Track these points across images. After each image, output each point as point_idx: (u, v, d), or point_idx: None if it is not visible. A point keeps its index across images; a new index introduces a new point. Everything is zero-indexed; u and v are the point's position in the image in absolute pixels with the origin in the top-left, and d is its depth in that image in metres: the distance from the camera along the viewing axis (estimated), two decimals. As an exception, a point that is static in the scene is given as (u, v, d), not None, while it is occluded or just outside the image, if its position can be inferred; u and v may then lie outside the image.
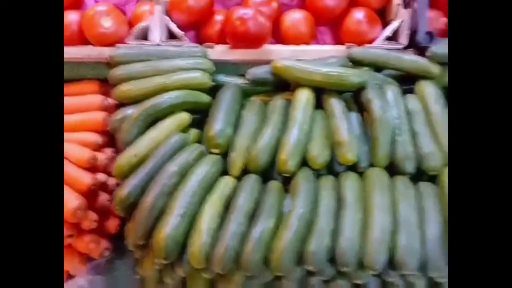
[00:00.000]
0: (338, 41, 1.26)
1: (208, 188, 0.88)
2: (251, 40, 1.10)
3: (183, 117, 0.98)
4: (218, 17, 1.20)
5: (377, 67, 1.09)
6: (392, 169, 0.92)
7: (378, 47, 1.12)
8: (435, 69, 1.02)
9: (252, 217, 0.84)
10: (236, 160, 0.92)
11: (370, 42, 1.18)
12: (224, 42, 1.17)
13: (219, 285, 0.85)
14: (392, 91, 1.00)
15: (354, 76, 0.99)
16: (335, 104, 0.98)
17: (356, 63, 1.11)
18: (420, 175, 0.93)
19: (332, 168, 0.95)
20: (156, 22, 1.15)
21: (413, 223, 0.81)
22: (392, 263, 0.77)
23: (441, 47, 1.02)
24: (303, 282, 0.84)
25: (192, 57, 1.08)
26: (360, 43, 1.17)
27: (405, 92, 1.06)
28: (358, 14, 1.19)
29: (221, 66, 1.16)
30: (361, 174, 0.92)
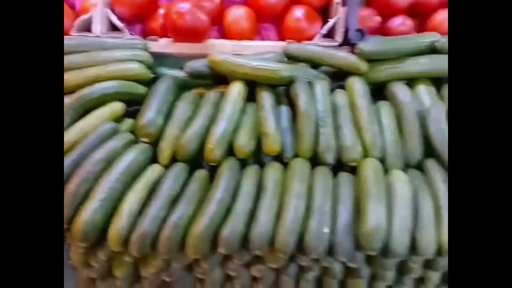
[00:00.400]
0: (281, 37, 1.30)
1: (135, 175, 0.90)
2: (189, 34, 1.13)
3: (116, 106, 1.00)
4: (162, 11, 1.23)
5: (313, 63, 1.14)
6: (316, 160, 0.97)
7: (314, 44, 1.16)
8: (363, 65, 1.07)
9: (175, 203, 0.86)
10: (165, 148, 0.95)
11: (310, 39, 1.22)
12: (169, 36, 1.20)
13: (141, 268, 0.87)
14: (320, 86, 1.04)
15: (284, 70, 1.03)
16: (265, 97, 1.02)
17: (292, 58, 1.15)
18: (342, 166, 0.97)
19: (259, 159, 0.98)
20: (97, 14, 1.17)
21: (326, 210, 0.84)
22: (302, 248, 0.81)
23: (368, 44, 1.06)
24: (223, 266, 0.88)
25: (130, 49, 1.11)
26: (300, 40, 1.21)
27: (340, 88, 1.10)
28: (298, 12, 1.23)
29: (164, 60, 1.19)
30: (286, 164, 0.96)
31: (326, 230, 0.81)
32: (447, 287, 0.94)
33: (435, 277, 0.91)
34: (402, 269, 0.90)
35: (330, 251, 0.81)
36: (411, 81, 1.10)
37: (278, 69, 1.03)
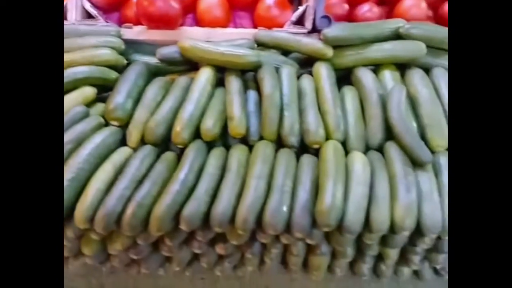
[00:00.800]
0: (254, 25, 1.32)
1: (103, 157, 0.93)
2: (161, 21, 1.15)
3: (87, 91, 1.03)
4: (136, -1, 1.25)
5: (282, 50, 1.16)
6: (281, 143, 1.00)
7: (283, 31, 1.19)
8: (328, 51, 1.10)
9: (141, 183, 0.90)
10: (133, 132, 0.98)
11: (281, 26, 1.24)
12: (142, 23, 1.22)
13: (108, 246, 0.91)
14: (286, 71, 1.07)
15: (251, 56, 1.06)
16: (232, 82, 1.05)
17: (262, 45, 1.18)
18: (307, 148, 1.00)
19: (226, 141, 1.02)
20: (72, 2, 1.19)
21: (286, 190, 0.88)
22: (261, 225, 0.85)
23: (332, 30, 1.09)
24: (188, 244, 0.92)
25: (103, 36, 1.13)
26: (272, 27, 1.23)
27: (310, 74, 1.13)
28: (269, 0, 1.25)
29: (140, 47, 1.21)
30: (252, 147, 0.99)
31: (285, 208, 0.85)
32: (408, 265, 0.98)
33: (392, 254, 0.94)
34: (361, 247, 0.93)
35: (288, 228, 0.85)
36: (376, 67, 1.13)
37: (244, 54, 1.06)
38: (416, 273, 1.03)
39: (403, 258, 0.95)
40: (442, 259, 0.93)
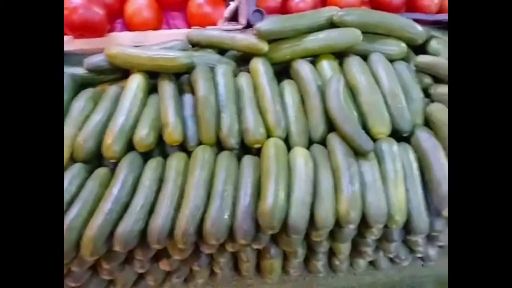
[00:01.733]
0: (188, 24, 1.27)
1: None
2: (85, 29, 1.08)
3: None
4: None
5: (215, 48, 1.12)
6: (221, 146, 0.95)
7: (217, 29, 1.15)
8: (263, 46, 1.06)
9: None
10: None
11: (216, 23, 1.20)
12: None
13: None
14: (222, 70, 1.02)
15: (182, 58, 1.00)
16: (165, 87, 1.00)
17: (196, 45, 1.13)
18: (250, 149, 0.97)
19: (164, 151, 0.96)
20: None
21: (227, 195, 0.83)
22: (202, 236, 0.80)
23: (265, 24, 1.05)
24: (129, 262, 0.86)
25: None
26: (206, 25, 1.18)
27: (248, 71, 1.09)
28: (200, -3, 1.21)
29: (69, 58, 1.13)
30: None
31: (226, 215, 0.81)
32: (362, 256, 0.97)
33: (343, 248, 0.92)
34: (311, 245, 0.91)
35: (232, 235, 0.81)
36: (315, 58, 1.10)
37: (176, 57, 1.00)
38: (372, 263, 1.02)
39: (356, 250, 0.93)
40: (393, 248, 0.91)
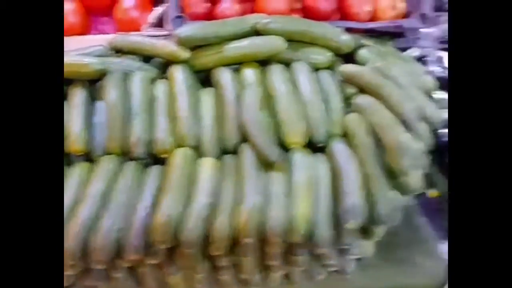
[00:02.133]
0: (116, 30, 1.24)
1: None
2: None
3: None
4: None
5: (137, 54, 1.08)
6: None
7: (140, 35, 1.12)
8: (183, 53, 1.03)
9: None
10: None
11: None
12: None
13: None
14: (137, 78, 0.99)
15: (93, 64, 0.97)
16: (74, 94, 0.96)
17: (119, 51, 1.10)
18: (162, 160, 0.93)
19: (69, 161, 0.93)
20: None
21: (121, 209, 0.80)
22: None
23: (184, 30, 1.02)
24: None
25: None
26: (133, 31, 1.16)
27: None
28: (128, 2, 1.18)
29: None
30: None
31: (116, 229, 0.77)
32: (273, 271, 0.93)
33: (247, 262, 0.88)
34: (212, 259, 0.87)
35: (120, 250, 0.77)
36: (239, 65, 1.08)
37: (87, 63, 0.97)
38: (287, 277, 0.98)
39: (264, 264, 0.90)
40: (301, 262, 0.88)
